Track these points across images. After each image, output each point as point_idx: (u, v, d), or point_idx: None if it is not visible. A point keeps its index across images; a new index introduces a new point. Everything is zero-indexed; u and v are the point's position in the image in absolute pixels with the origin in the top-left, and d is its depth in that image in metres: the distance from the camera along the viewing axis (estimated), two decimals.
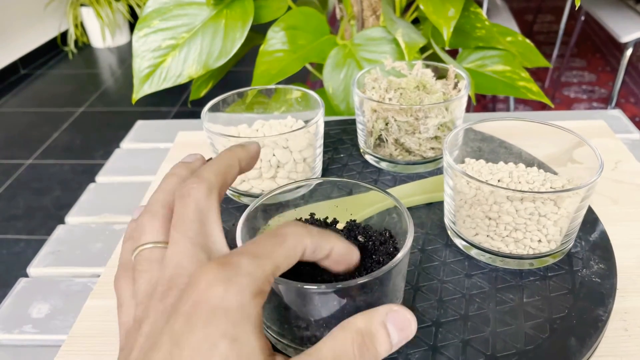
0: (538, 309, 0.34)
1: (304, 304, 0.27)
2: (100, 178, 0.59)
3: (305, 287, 0.26)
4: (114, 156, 0.63)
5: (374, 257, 0.32)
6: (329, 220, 0.35)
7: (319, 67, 0.77)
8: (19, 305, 0.42)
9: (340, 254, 0.26)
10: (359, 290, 0.27)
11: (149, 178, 0.57)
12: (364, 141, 0.51)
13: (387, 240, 0.33)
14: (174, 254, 0.25)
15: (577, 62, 2.53)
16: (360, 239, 0.33)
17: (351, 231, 0.34)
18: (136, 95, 0.67)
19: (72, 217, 0.52)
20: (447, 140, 0.39)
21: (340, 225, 0.35)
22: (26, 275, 0.46)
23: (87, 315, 0.39)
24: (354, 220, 0.35)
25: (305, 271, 0.30)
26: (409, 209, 0.44)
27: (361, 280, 0.26)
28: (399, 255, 0.28)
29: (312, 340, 0.29)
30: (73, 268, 0.46)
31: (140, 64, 0.67)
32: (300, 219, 0.35)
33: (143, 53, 0.67)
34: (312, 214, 0.35)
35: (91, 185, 0.57)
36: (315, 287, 0.26)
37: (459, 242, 0.40)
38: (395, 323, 0.24)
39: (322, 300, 0.27)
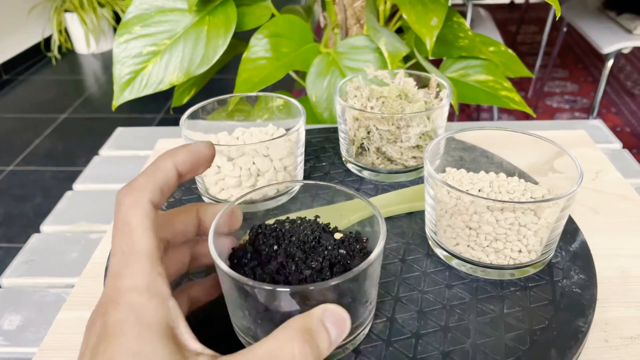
0: (518, 320, 0.34)
1: (270, 305, 0.27)
2: (77, 186, 0.58)
3: (268, 288, 0.26)
4: (92, 164, 0.61)
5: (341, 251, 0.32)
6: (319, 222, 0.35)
7: (304, 75, 0.77)
8: None
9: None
10: (323, 294, 0.26)
11: None
12: (346, 150, 0.51)
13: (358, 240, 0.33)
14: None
15: (559, 73, 2.56)
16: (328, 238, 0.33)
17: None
18: (116, 102, 0.66)
19: (48, 226, 0.51)
20: (428, 149, 0.39)
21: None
22: None
23: (59, 327, 0.38)
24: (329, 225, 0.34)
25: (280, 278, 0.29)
26: (391, 218, 0.44)
27: (315, 286, 0.26)
28: (372, 257, 0.28)
29: None
30: (47, 278, 0.45)
31: (120, 71, 0.66)
32: (287, 220, 0.35)
33: (124, 59, 0.66)
34: (287, 217, 0.35)
35: (68, 193, 0.56)
36: (271, 287, 0.26)
37: (439, 252, 0.39)
38: (331, 320, 0.25)
39: (286, 301, 0.26)
